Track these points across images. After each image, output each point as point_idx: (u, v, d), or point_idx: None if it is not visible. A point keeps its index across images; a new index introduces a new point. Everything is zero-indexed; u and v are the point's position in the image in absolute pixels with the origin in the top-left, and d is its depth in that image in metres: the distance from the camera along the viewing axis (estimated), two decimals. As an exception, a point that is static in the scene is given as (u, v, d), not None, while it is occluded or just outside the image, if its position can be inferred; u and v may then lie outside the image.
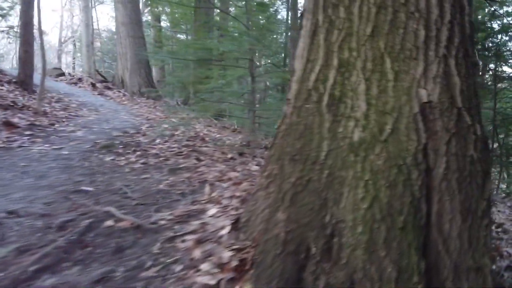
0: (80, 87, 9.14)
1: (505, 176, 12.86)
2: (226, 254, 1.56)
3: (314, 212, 1.44)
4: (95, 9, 22.78)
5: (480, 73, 12.72)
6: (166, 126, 4.90)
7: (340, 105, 1.47)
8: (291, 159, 1.53)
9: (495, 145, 11.64)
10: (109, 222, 1.88)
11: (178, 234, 1.79)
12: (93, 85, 9.33)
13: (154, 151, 3.46)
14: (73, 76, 10.45)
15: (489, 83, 11.07)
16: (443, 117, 1.39)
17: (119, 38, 10.13)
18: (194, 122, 6.42)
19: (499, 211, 4.40)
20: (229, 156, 3.61)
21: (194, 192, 2.44)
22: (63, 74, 10.58)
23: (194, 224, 1.89)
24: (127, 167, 2.97)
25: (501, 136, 11.50)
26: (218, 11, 9.19)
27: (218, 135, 5.16)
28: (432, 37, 1.42)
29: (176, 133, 4.55)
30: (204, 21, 8.71)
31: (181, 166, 3.06)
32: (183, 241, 1.73)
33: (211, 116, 6.83)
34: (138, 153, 3.38)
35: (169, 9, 13.79)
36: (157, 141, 3.94)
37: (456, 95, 1.41)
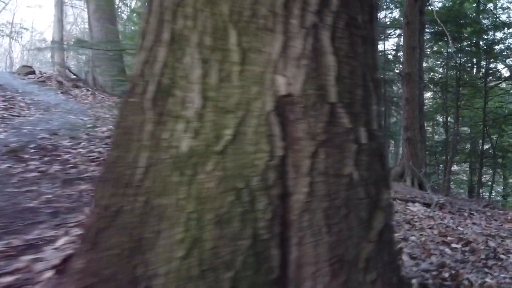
0: (46, 85, 8.66)
1: (502, 178, 12.41)
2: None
3: (123, 259, 0.96)
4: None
5: (474, 71, 12.26)
6: (110, 127, 4.43)
7: (169, 98, 1.00)
8: (101, 179, 1.06)
9: (487, 146, 11.18)
10: None
11: (-10, 275, 1.31)
12: (60, 83, 8.85)
13: (67, 156, 2.98)
14: (43, 74, 9.97)
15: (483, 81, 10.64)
16: (308, 117, 0.92)
17: (91, 33, 9.66)
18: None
19: (474, 223, 3.92)
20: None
21: (72, 211, 1.96)
22: (33, 72, 10.09)
23: (24, 260, 1.42)
24: (19, 176, 2.50)
25: (494, 136, 11.05)
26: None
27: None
28: (296, -2, 0.95)
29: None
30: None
31: (85, 175, 2.58)
32: (-11, 287, 1.26)
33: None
34: (46, 158, 2.90)
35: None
36: (82, 144, 3.46)
37: (329, 84, 0.93)
